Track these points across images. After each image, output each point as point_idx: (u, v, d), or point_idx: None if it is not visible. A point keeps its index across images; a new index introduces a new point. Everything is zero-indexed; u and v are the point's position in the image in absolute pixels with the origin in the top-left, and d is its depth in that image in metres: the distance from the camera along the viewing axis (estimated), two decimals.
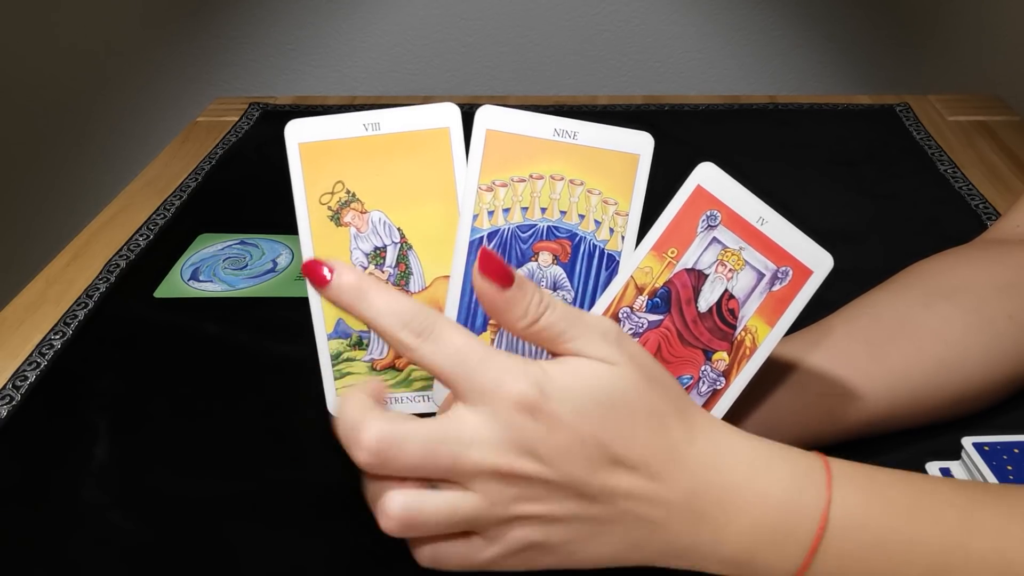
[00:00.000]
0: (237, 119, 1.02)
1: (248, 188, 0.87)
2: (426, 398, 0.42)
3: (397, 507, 0.33)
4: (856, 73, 1.23)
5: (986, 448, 0.48)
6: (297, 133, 0.40)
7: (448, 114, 0.40)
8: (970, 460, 0.48)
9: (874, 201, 0.81)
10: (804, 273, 0.38)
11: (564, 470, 0.33)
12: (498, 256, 0.34)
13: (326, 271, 0.34)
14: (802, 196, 0.82)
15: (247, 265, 0.74)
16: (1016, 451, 0.48)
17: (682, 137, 0.94)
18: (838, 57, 1.22)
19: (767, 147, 0.92)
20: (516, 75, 1.26)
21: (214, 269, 0.73)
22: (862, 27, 1.20)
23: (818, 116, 0.98)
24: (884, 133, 0.94)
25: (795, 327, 0.40)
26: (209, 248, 0.77)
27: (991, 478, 0.46)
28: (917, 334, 0.49)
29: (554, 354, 0.35)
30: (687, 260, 0.39)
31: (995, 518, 0.36)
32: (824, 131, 0.95)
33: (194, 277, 0.72)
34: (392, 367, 0.42)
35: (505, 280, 0.34)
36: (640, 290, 0.40)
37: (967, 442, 0.49)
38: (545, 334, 0.35)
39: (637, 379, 0.35)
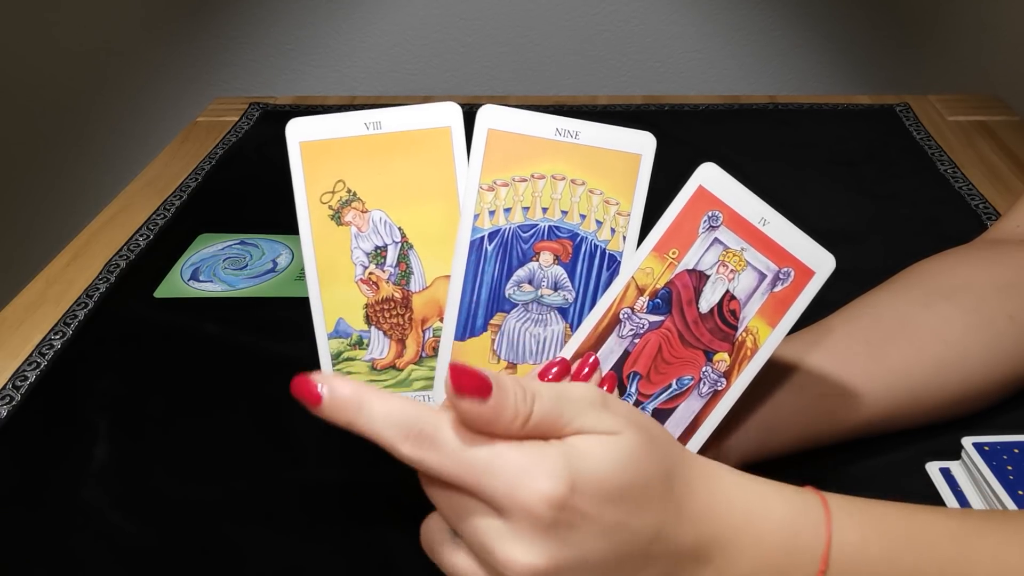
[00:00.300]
0: (237, 119, 1.02)
1: (248, 188, 0.87)
2: (426, 398, 0.42)
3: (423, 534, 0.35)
4: (856, 73, 1.23)
5: (986, 448, 0.48)
6: (298, 132, 0.40)
7: (449, 113, 0.40)
8: (970, 460, 0.48)
9: (874, 201, 0.81)
10: (806, 274, 0.38)
11: (585, 562, 0.32)
12: (466, 366, 0.32)
13: (320, 387, 0.32)
14: (802, 196, 0.82)
15: (247, 265, 0.74)
16: (1016, 451, 0.48)
17: (682, 137, 0.94)
18: (838, 57, 1.22)
19: (767, 147, 0.92)
20: (516, 75, 1.26)
21: (214, 269, 0.73)
22: (862, 27, 1.20)
23: (818, 116, 0.98)
24: (884, 133, 0.94)
25: (795, 328, 0.40)
26: (209, 248, 0.77)
27: (991, 478, 0.46)
28: (917, 334, 0.49)
29: (555, 438, 0.33)
30: (688, 261, 0.39)
31: (993, 547, 0.36)
32: (824, 131, 0.95)
33: (194, 277, 0.72)
34: (392, 367, 0.41)
35: (483, 389, 0.32)
36: (641, 291, 0.39)
37: (967, 442, 0.49)
38: (544, 425, 0.33)
39: (642, 442, 0.34)
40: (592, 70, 1.25)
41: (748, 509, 0.35)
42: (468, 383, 0.32)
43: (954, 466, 0.50)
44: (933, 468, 0.50)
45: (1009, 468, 0.47)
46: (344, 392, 0.32)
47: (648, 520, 0.33)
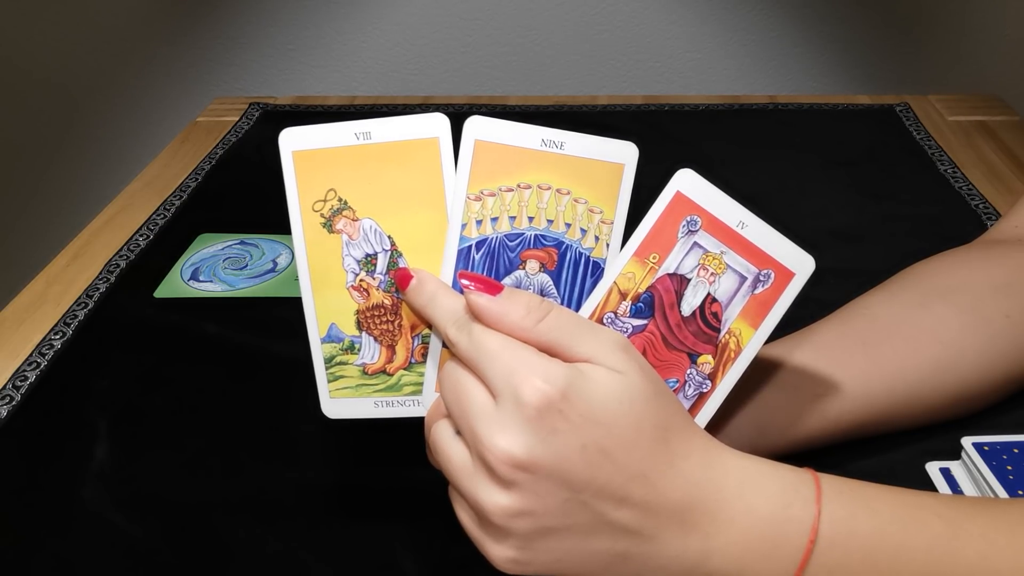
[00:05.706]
0: (237, 119, 1.02)
1: (248, 188, 0.87)
2: (416, 402, 0.42)
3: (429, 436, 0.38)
4: (856, 73, 1.23)
5: (986, 448, 0.48)
6: (290, 141, 0.41)
7: (437, 124, 0.40)
8: (970, 460, 0.48)
9: (874, 201, 0.81)
10: (786, 275, 0.38)
11: (560, 469, 0.33)
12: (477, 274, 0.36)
13: (413, 276, 0.39)
14: (802, 196, 0.82)
15: (247, 265, 0.74)
16: (1016, 451, 0.48)
17: (682, 137, 0.94)
18: (838, 57, 1.22)
19: (767, 147, 0.92)
20: (516, 75, 1.26)
21: (214, 269, 0.74)
22: (862, 27, 1.20)
23: (818, 116, 0.98)
24: (884, 133, 0.94)
25: (783, 328, 0.40)
26: (209, 248, 0.77)
27: (991, 478, 0.46)
28: (913, 334, 0.49)
29: (564, 360, 0.35)
30: (669, 265, 0.39)
31: (981, 527, 0.36)
32: (824, 131, 0.95)
33: (194, 277, 0.73)
34: (383, 372, 0.42)
35: (492, 287, 0.36)
36: (623, 295, 0.40)
37: (967, 442, 0.49)
38: (555, 334, 0.35)
39: (645, 389, 0.35)
40: (592, 70, 1.26)
41: (743, 480, 0.36)
42: (477, 279, 0.37)
43: (954, 466, 0.50)
44: (933, 468, 0.50)
45: (1009, 468, 0.47)
46: (426, 283, 0.39)
47: (635, 458, 0.34)
